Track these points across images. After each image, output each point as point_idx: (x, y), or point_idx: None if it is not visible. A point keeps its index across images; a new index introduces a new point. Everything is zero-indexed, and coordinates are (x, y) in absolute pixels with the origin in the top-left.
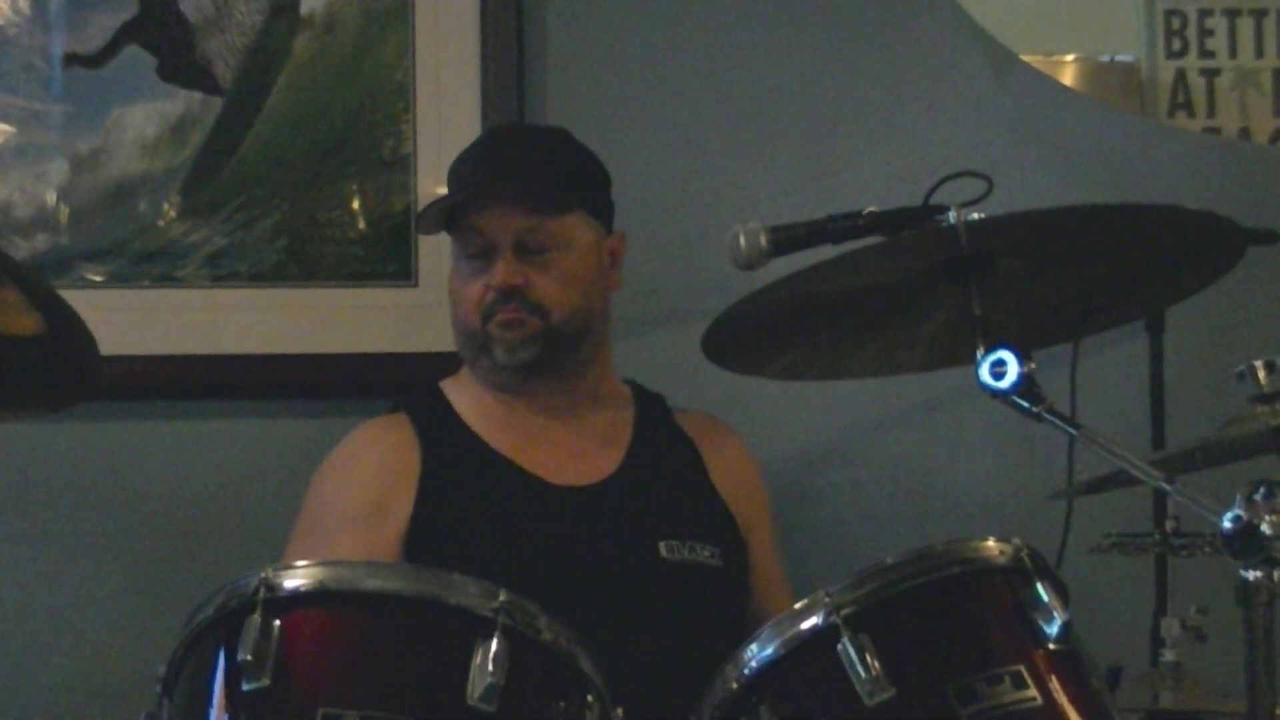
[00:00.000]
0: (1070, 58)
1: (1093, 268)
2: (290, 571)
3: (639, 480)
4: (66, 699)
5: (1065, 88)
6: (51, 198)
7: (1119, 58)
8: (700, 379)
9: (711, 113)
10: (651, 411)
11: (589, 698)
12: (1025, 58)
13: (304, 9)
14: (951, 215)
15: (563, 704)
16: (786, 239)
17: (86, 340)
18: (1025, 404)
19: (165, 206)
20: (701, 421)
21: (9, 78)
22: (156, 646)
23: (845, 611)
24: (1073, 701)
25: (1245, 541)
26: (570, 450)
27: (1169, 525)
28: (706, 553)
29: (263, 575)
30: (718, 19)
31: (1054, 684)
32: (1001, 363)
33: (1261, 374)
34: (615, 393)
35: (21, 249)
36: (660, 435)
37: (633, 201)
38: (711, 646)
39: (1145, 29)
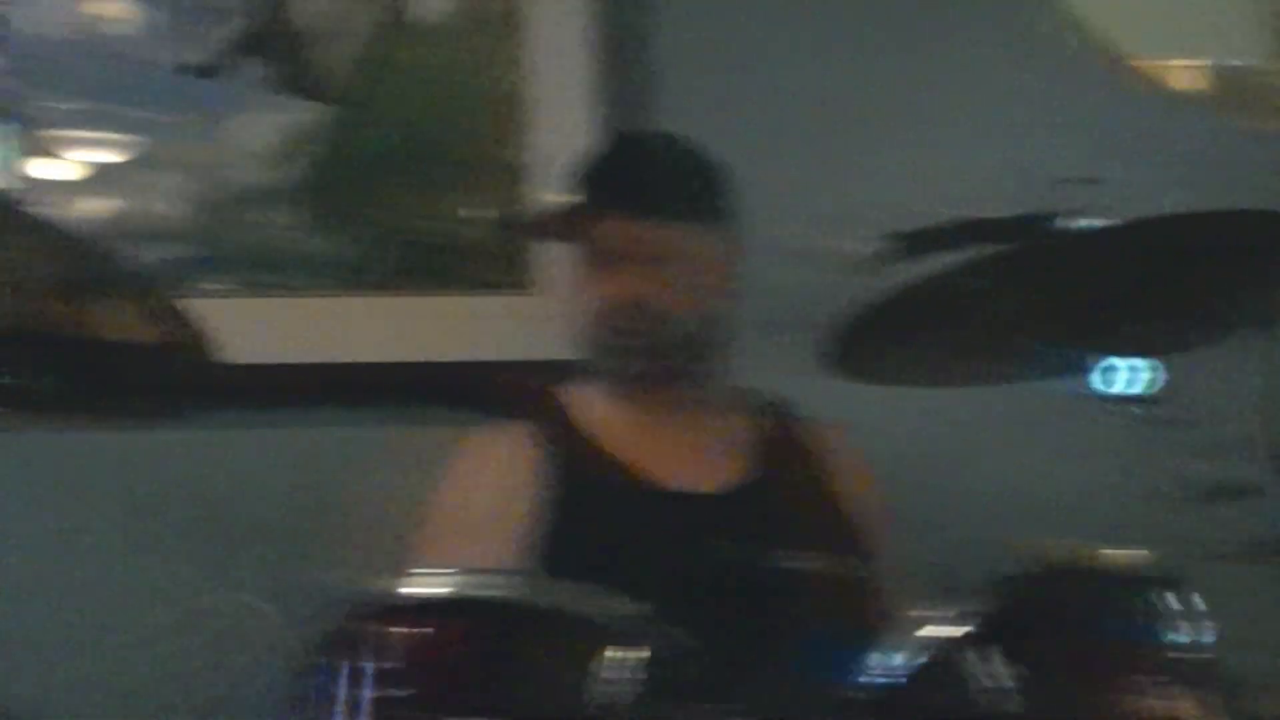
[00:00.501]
0: (1190, 62)
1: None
2: (415, 580)
3: (760, 489)
4: (193, 710)
5: (1182, 93)
6: (168, 208)
7: (1241, 62)
8: (816, 389)
9: (826, 112)
10: (773, 419)
11: (715, 707)
12: (1143, 62)
13: (413, 18)
14: (1081, 223)
15: (688, 715)
16: (920, 241)
17: (205, 350)
18: (1155, 407)
19: (281, 216)
20: (822, 430)
21: (125, 90)
22: (284, 656)
23: (976, 621)
24: (1209, 714)
25: None
26: (691, 459)
27: None
28: (828, 562)
29: (387, 584)
30: (833, 16)
31: (1190, 697)
32: (1133, 367)
33: None
34: (736, 400)
35: (139, 260)
36: (782, 444)
37: (744, 207)
38: (834, 656)
39: (1272, 33)
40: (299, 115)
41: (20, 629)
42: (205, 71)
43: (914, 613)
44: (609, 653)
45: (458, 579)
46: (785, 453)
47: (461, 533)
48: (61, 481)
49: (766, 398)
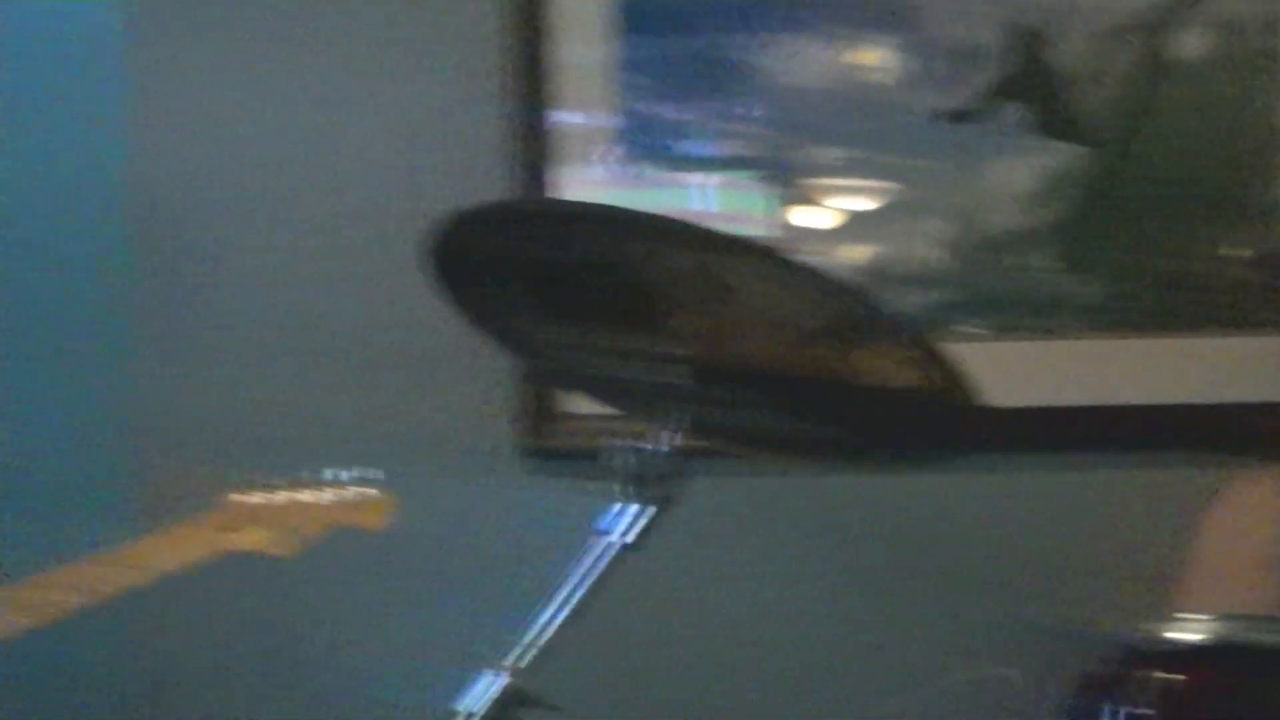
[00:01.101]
0: None
1: None
2: (1180, 625)
3: None
4: None
5: None
6: (930, 252)
7: None
8: None
9: None
10: None
11: None
12: None
13: (1170, 56)
14: None
15: None
16: None
17: (963, 394)
18: None
19: (1044, 259)
20: None
21: (885, 136)
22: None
23: None
24: None
25: None
26: None
27: None
28: None
29: (1151, 629)
30: None
31: None
32: None
33: None
34: None
35: (902, 303)
36: None
37: None
38: None
39: None
40: (1056, 158)
41: (764, 669)
42: (962, 116)
43: None
44: None
45: (1224, 625)
46: None
47: (1227, 577)
48: (821, 524)
49: None
